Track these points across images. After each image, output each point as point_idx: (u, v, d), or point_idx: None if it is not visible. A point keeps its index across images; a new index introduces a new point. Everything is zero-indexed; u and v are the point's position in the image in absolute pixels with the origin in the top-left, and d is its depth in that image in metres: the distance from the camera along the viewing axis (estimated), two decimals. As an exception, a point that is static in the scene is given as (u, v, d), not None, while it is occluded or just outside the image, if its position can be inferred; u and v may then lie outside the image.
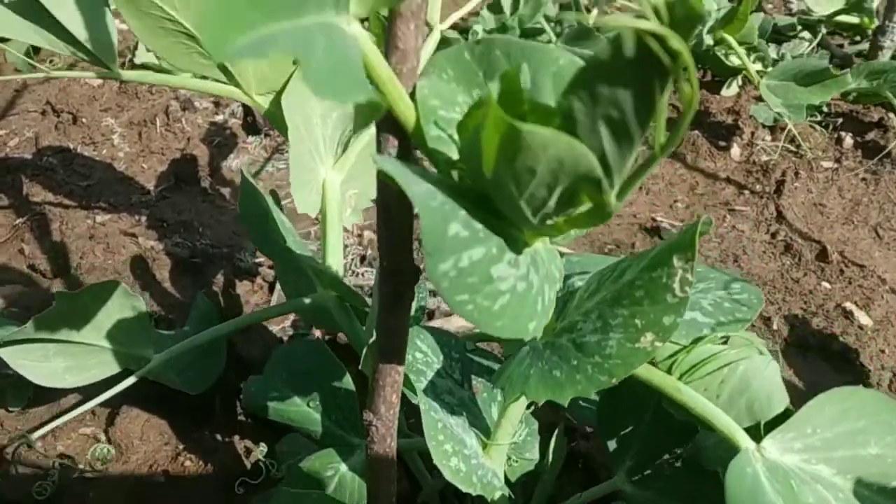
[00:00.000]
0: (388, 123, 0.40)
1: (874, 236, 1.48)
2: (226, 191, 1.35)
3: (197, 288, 1.09)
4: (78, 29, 0.86)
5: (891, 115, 1.71)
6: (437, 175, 0.40)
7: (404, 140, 0.41)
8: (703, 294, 0.58)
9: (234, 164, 1.40)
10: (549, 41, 1.72)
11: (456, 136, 0.40)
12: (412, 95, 0.40)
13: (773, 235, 1.41)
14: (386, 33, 0.38)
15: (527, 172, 0.34)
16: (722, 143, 1.62)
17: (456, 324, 1.10)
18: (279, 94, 0.91)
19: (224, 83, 0.91)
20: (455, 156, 0.41)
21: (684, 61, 0.27)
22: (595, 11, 1.94)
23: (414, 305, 0.53)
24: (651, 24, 0.26)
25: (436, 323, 1.11)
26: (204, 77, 0.90)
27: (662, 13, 0.27)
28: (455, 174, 0.41)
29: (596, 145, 0.33)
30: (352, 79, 0.30)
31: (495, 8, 1.72)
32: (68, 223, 1.21)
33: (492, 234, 0.38)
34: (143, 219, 1.24)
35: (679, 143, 1.55)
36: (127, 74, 0.89)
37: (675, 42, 0.27)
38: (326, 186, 0.91)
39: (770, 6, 2.19)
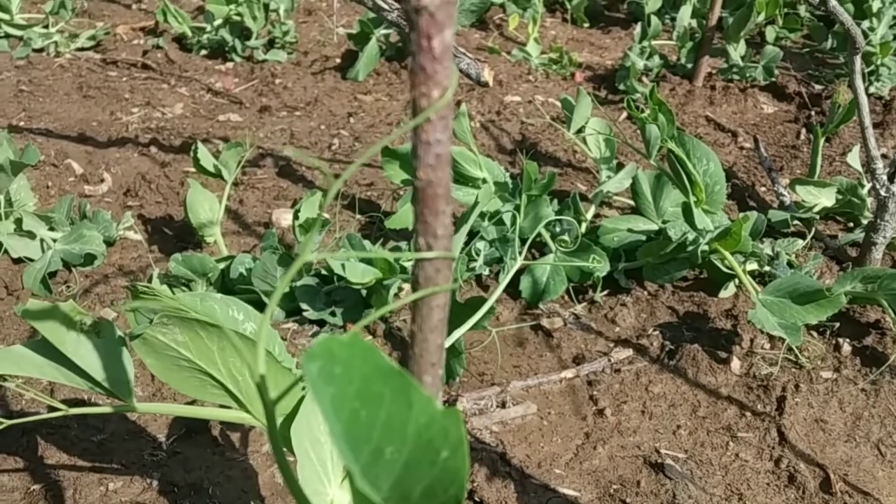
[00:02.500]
0: None
1: (876, 453, 1.49)
2: (235, 437, 1.38)
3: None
4: (95, 369, 0.90)
5: (887, 318, 1.74)
6: None
7: None
8: None
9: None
10: (551, 253, 1.77)
11: None
12: None
13: (777, 463, 1.43)
14: None
15: None
16: (722, 355, 1.64)
17: None
18: (288, 418, 0.95)
19: (234, 409, 0.95)
20: None
21: None
22: (592, 207, 2.00)
23: None
24: None
25: None
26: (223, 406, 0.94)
27: None
28: None
29: None
30: None
31: (497, 220, 1.78)
32: (81, 491, 1.23)
33: None
34: (155, 483, 1.26)
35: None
36: (142, 407, 0.93)
37: None
38: (334, 507, 0.94)
39: (763, 189, 2.26)
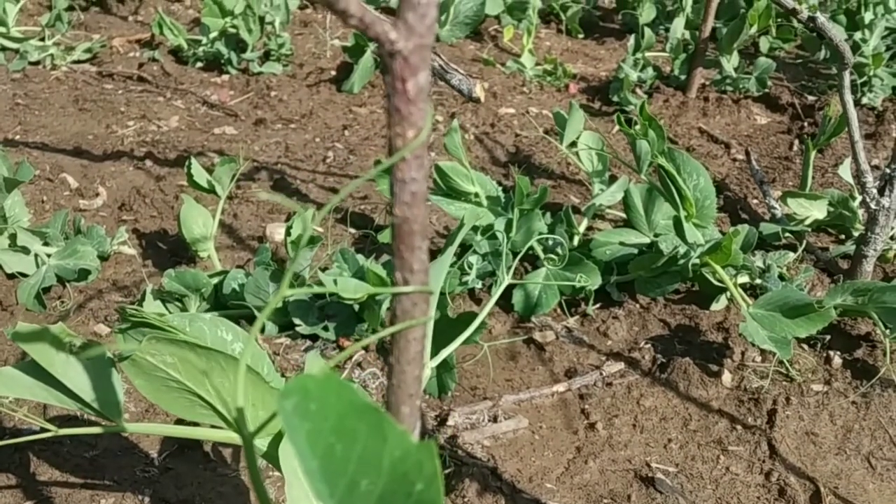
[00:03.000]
0: None
1: (867, 466, 1.49)
2: (227, 453, 1.39)
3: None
4: (84, 390, 0.91)
5: (877, 330, 1.75)
6: None
7: None
8: None
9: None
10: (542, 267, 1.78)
11: None
12: None
13: (767, 476, 1.43)
14: None
15: None
16: (713, 368, 1.65)
17: None
18: (276, 438, 0.96)
19: (223, 429, 0.95)
20: None
21: None
22: (585, 220, 2.01)
23: None
24: None
25: None
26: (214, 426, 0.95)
27: None
28: None
29: None
30: None
31: (490, 234, 1.79)
32: (73, 508, 1.24)
33: None
34: (147, 499, 1.27)
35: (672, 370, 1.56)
36: (132, 427, 0.94)
37: None
38: (322, 526, 0.94)
39: (755, 201, 2.27)
